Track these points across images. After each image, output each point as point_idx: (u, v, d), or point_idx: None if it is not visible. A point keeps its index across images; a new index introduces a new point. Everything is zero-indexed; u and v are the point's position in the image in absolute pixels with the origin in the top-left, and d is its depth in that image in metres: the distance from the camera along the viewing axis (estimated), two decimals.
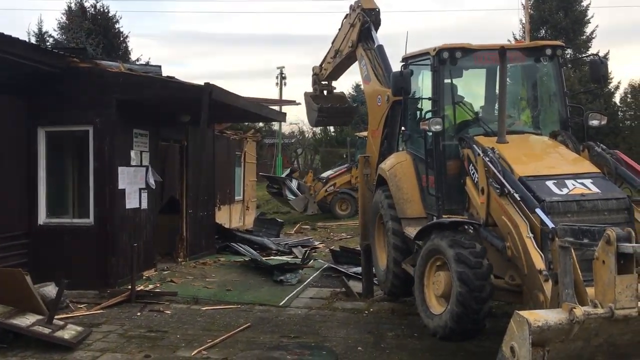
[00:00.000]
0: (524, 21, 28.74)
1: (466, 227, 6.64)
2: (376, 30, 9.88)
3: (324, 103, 11.50)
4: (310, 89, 11.90)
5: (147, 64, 27.00)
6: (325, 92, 11.80)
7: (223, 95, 9.95)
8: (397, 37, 11.54)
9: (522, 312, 4.07)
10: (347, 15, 10.53)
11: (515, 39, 29.76)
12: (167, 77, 10.22)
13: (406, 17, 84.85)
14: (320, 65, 11.62)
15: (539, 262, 5.53)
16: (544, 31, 29.65)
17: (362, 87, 12.25)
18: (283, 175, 26.20)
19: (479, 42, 7.51)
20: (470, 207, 7.07)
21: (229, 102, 10.35)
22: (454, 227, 6.36)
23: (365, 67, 9.71)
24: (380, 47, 9.69)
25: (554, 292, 4.93)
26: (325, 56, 11.41)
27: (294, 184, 23.55)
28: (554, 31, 29.08)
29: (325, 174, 24.12)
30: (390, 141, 9.16)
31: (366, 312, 8.71)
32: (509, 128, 7.52)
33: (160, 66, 11.38)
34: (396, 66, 8.92)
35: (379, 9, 9.89)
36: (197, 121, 9.78)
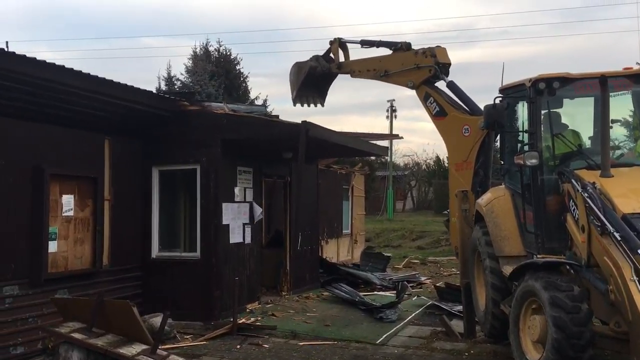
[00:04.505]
0: None
1: (567, 267, 6.21)
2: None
3: (312, 100, 11.77)
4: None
5: (265, 102, 28.23)
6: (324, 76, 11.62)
7: (320, 132, 10.17)
8: (514, 66, 11.21)
9: None
10: (412, 50, 10.27)
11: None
12: (269, 116, 10.63)
13: (527, 43, 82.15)
14: (348, 60, 11.33)
15: None
16: None
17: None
18: None
19: (604, 68, 7.08)
20: (573, 246, 6.62)
21: (326, 139, 10.55)
22: (549, 268, 5.97)
23: (434, 103, 9.73)
24: (452, 82, 9.80)
25: None
26: (365, 61, 11.03)
27: None
28: None
29: None
30: (487, 171, 8.85)
31: (466, 353, 8.32)
32: (618, 160, 7.01)
33: (264, 106, 11.94)
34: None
35: (450, 63, 9.97)
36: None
